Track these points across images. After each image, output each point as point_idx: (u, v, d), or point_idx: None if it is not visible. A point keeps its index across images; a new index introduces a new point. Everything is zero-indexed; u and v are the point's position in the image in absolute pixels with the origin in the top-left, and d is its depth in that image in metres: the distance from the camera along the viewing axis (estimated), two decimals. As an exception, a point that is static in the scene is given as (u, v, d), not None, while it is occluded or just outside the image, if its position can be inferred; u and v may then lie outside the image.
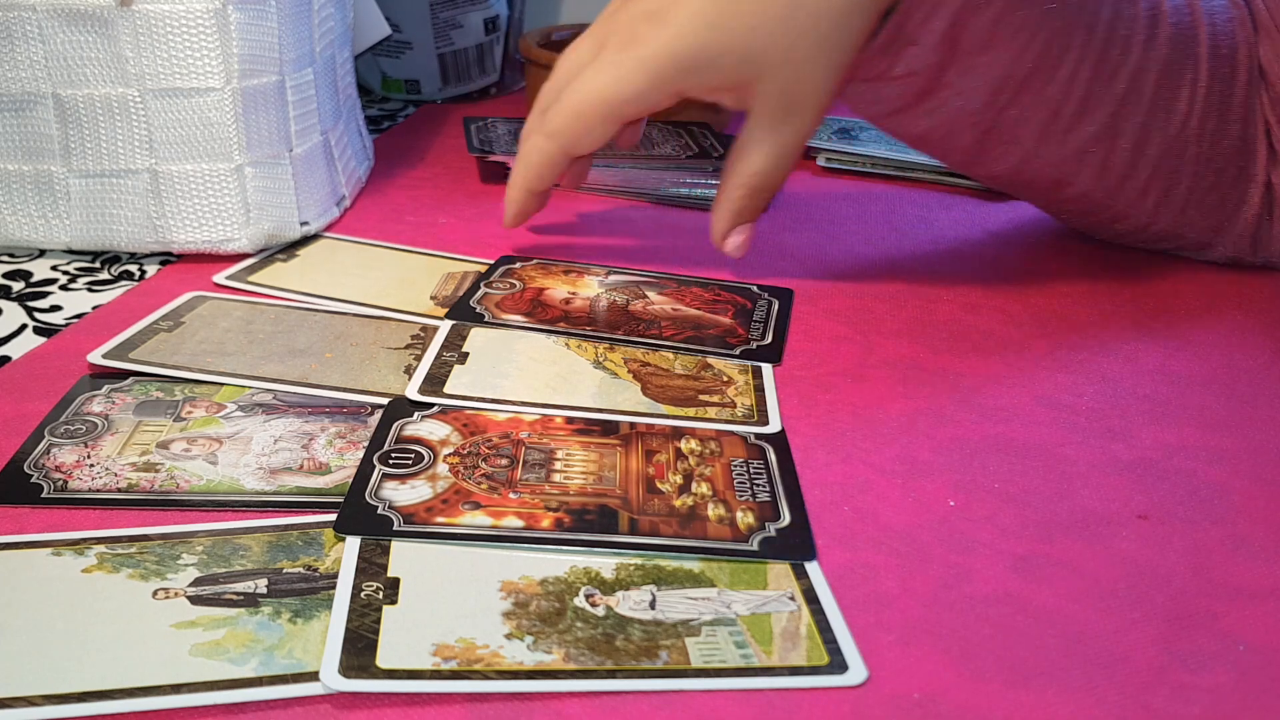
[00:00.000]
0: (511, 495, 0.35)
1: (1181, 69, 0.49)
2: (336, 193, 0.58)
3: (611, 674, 0.28)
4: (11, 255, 0.52)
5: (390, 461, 0.36)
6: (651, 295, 0.50)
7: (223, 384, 0.41)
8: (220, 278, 0.49)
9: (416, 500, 0.34)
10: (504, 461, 0.36)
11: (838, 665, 0.29)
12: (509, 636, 0.29)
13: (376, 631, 0.28)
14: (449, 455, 0.36)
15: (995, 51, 0.46)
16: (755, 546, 0.33)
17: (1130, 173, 0.51)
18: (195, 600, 0.30)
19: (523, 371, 0.42)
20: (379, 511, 0.33)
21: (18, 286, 0.49)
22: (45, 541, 0.32)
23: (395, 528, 0.33)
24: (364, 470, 0.35)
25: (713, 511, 0.34)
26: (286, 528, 0.33)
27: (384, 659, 0.28)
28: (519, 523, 0.33)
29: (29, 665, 0.27)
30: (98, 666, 0.27)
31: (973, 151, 0.51)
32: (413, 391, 0.40)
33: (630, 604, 0.30)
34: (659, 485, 0.36)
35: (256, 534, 0.33)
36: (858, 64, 0.45)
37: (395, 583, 0.30)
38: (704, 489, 0.36)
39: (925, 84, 0.48)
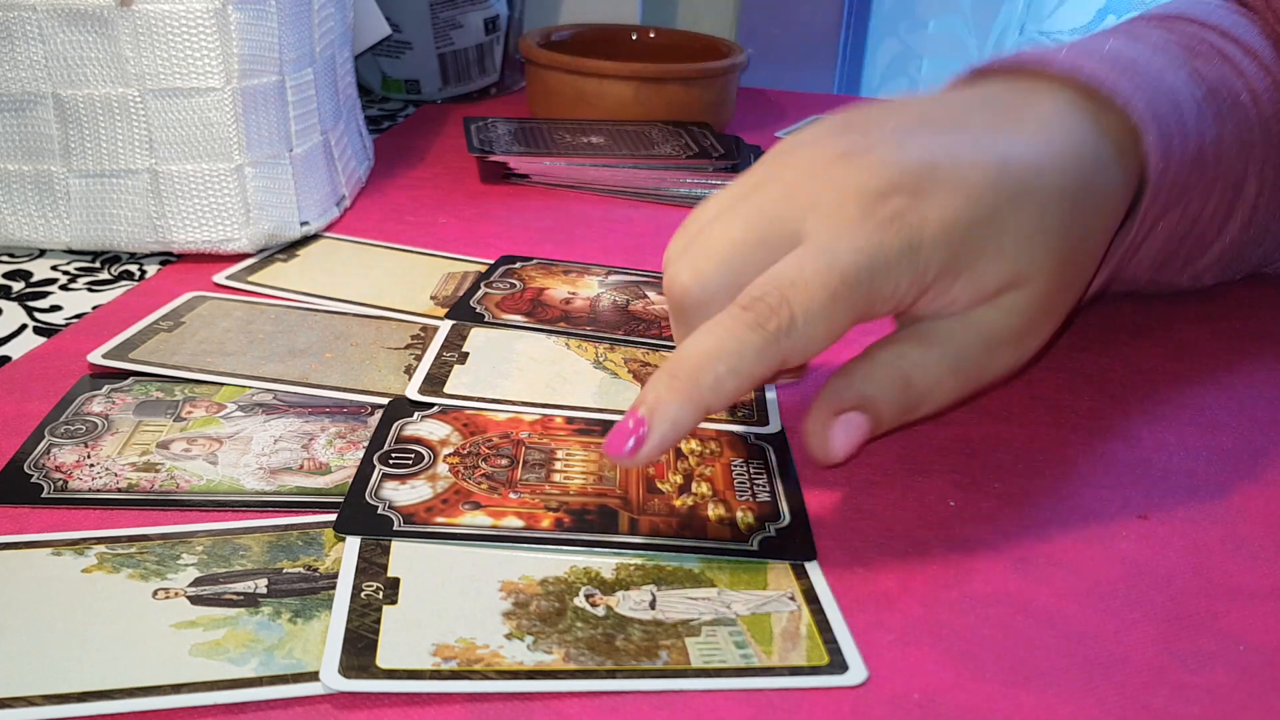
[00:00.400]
0: (511, 495, 0.35)
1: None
2: (336, 193, 0.58)
3: (611, 674, 0.28)
4: (11, 255, 0.52)
5: (390, 461, 0.36)
6: (651, 295, 0.50)
7: (223, 384, 0.41)
8: (220, 278, 0.49)
9: (416, 500, 0.34)
10: (504, 461, 0.36)
11: (838, 665, 0.29)
12: (509, 636, 0.29)
13: (376, 631, 0.28)
14: (449, 455, 0.36)
15: (1181, 208, 0.43)
16: (755, 546, 0.33)
17: (1249, 254, 0.50)
18: (195, 600, 0.30)
19: (523, 371, 0.42)
20: (379, 511, 0.33)
21: (18, 286, 0.49)
22: (45, 541, 0.32)
23: (395, 528, 0.33)
24: (364, 470, 0.35)
25: (713, 511, 0.34)
26: (286, 528, 0.33)
27: (384, 659, 0.28)
28: (519, 523, 0.33)
29: (29, 665, 0.27)
30: (98, 666, 0.27)
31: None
32: (413, 391, 0.40)
33: (630, 604, 0.30)
34: (659, 485, 0.36)
35: (256, 534, 0.33)
36: None
37: (395, 583, 0.30)
38: (704, 489, 0.36)
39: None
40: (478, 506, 0.34)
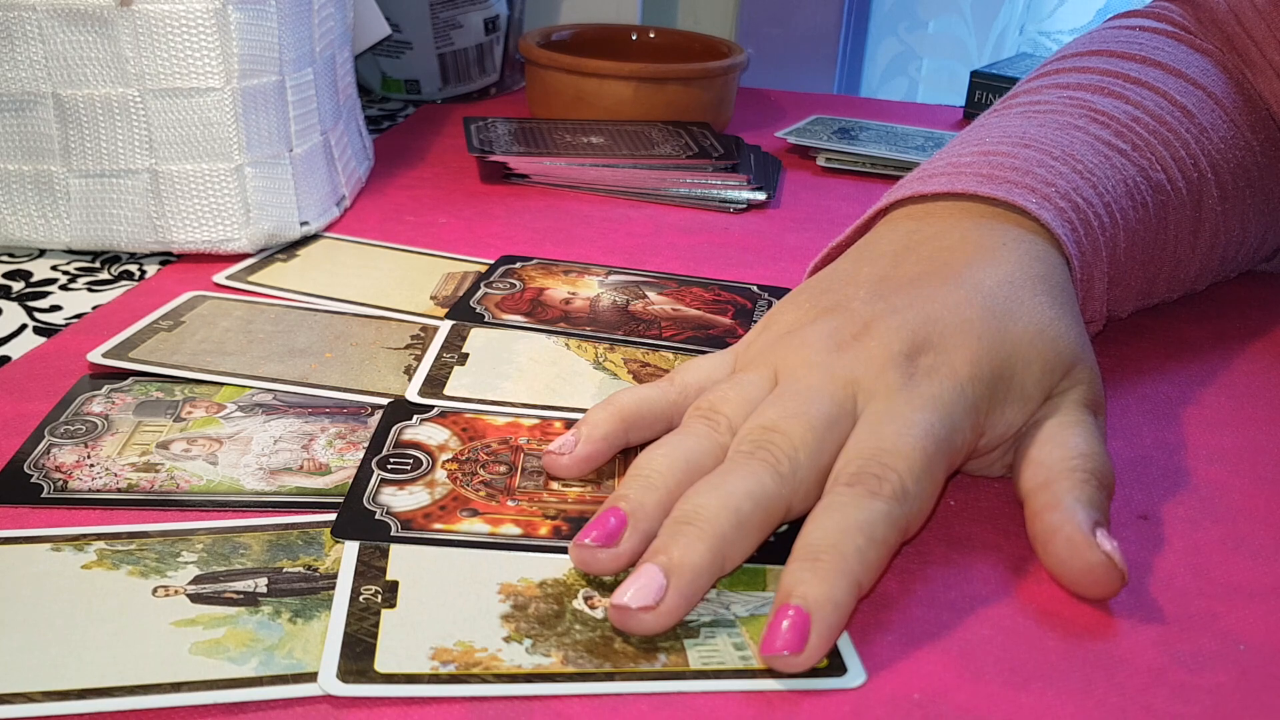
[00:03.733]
0: (509, 502, 0.34)
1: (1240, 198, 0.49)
2: (336, 193, 0.58)
3: (610, 676, 0.28)
4: (11, 255, 0.52)
5: (388, 467, 0.36)
6: (651, 295, 0.50)
7: (223, 384, 0.41)
8: (220, 278, 0.49)
9: (414, 506, 0.34)
10: (502, 468, 0.36)
11: (836, 667, 0.29)
12: (507, 639, 0.29)
13: (375, 635, 0.28)
14: (447, 461, 0.36)
15: (1140, 250, 0.45)
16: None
17: (1235, 256, 0.52)
18: (195, 599, 0.30)
19: (522, 373, 0.42)
20: (377, 517, 0.33)
21: (18, 286, 0.49)
22: (45, 537, 0.32)
23: (392, 534, 0.32)
24: (362, 474, 0.35)
25: (712, 512, 0.34)
26: (286, 527, 0.33)
27: (382, 663, 0.28)
28: (517, 530, 0.33)
29: (28, 661, 0.27)
30: (97, 664, 0.27)
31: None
32: (412, 393, 0.40)
33: (630, 604, 0.30)
34: (658, 486, 0.36)
35: (256, 533, 0.33)
36: None
37: (394, 586, 0.30)
38: (704, 489, 0.35)
39: None
40: (475, 514, 0.34)
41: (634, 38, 0.83)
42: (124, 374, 0.41)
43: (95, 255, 0.52)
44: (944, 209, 0.41)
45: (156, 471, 0.35)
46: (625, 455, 0.37)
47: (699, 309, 0.49)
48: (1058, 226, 0.39)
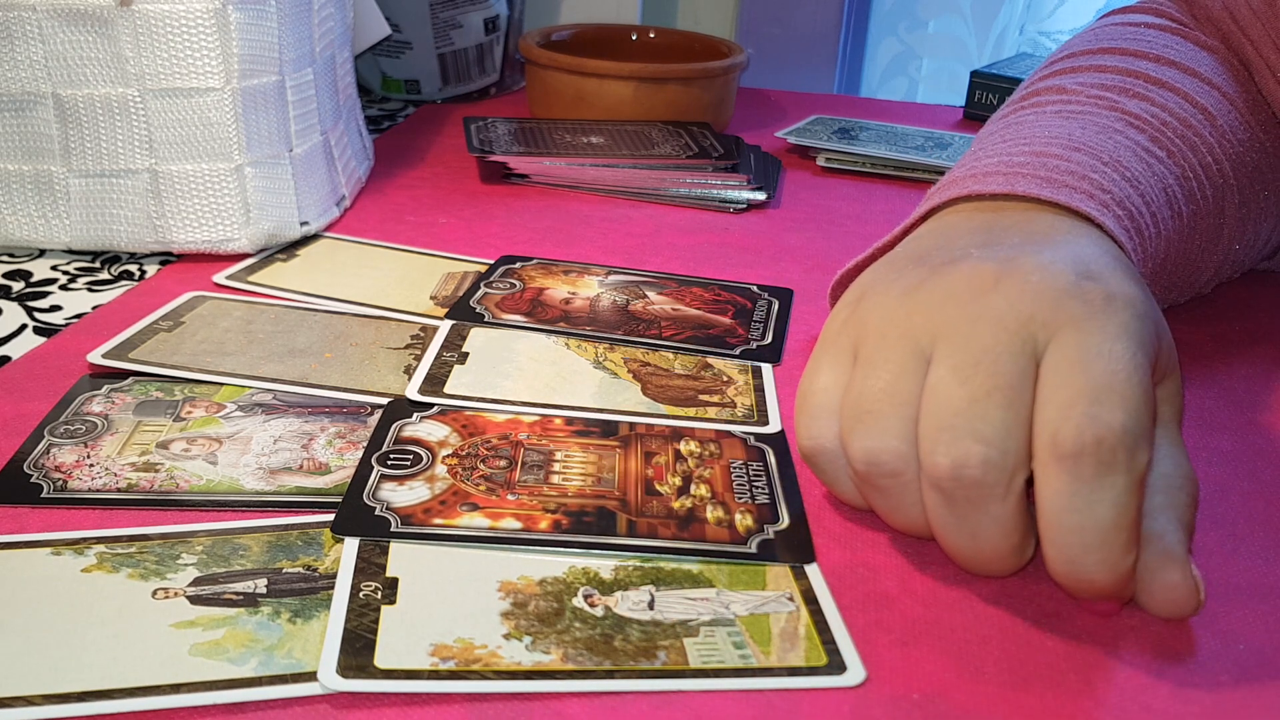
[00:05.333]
0: (509, 496, 0.34)
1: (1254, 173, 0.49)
2: (336, 193, 0.58)
3: (610, 674, 0.28)
4: (11, 255, 0.52)
5: (388, 463, 0.36)
6: (651, 295, 0.50)
7: (223, 384, 0.41)
8: (220, 278, 0.49)
9: (414, 501, 0.34)
10: (502, 463, 0.36)
11: (836, 666, 0.29)
12: (507, 636, 0.29)
13: (375, 631, 0.28)
14: (447, 456, 0.36)
15: (1164, 259, 0.44)
16: (753, 549, 0.33)
17: (1243, 257, 0.51)
18: (195, 600, 0.30)
19: (523, 372, 0.42)
20: (376, 513, 0.33)
21: (18, 286, 0.49)
22: (45, 541, 0.32)
23: (392, 529, 0.33)
24: (362, 471, 0.35)
25: (711, 514, 0.34)
26: (286, 528, 0.33)
27: (382, 659, 0.28)
28: (517, 524, 0.33)
29: (28, 664, 0.27)
30: (97, 666, 0.27)
31: None
32: (413, 392, 0.40)
33: (629, 604, 0.30)
34: (658, 487, 0.36)
35: (256, 534, 0.33)
36: None
37: (394, 583, 0.30)
38: (703, 491, 0.36)
39: None
40: (475, 508, 0.34)
41: (634, 38, 0.83)
42: (124, 374, 0.41)
43: (95, 255, 0.52)
44: (1012, 206, 0.39)
45: (156, 471, 0.35)
46: (625, 450, 0.37)
47: (699, 309, 0.49)
48: (1120, 234, 0.38)
